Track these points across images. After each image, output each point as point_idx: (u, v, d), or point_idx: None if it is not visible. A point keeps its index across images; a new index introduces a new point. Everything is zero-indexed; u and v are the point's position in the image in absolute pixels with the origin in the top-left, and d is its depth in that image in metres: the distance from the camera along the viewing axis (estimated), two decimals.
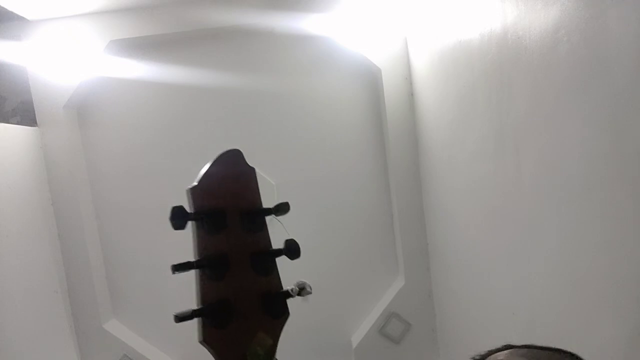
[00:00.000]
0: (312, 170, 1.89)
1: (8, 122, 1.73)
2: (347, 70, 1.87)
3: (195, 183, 0.61)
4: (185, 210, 0.58)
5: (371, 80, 1.87)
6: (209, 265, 0.59)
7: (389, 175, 1.89)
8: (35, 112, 1.74)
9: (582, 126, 0.75)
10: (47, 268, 1.71)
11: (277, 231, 0.69)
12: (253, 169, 0.65)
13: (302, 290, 0.63)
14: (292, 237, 0.64)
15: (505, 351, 0.58)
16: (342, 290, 1.93)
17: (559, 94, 0.80)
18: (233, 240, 0.61)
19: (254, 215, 0.63)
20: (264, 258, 0.62)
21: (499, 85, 1.03)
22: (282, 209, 0.63)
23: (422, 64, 1.64)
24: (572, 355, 0.56)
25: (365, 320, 1.95)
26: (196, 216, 0.59)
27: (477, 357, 0.62)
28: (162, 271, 1.88)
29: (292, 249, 0.63)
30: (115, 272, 1.88)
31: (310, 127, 1.89)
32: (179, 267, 0.58)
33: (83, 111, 1.84)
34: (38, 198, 1.71)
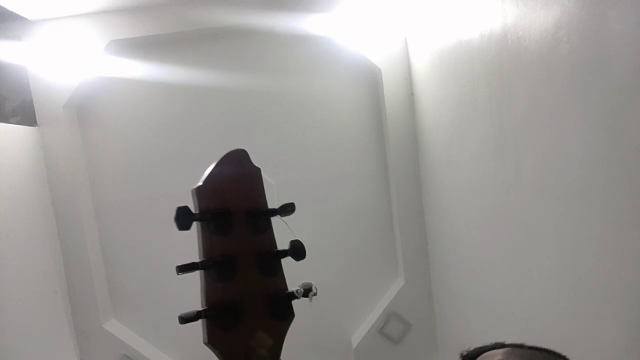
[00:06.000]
0: (312, 170, 1.89)
1: (8, 122, 1.73)
2: (347, 70, 1.87)
3: (201, 183, 0.60)
4: (190, 211, 0.57)
5: (371, 80, 1.87)
6: (214, 266, 0.58)
7: (389, 175, 1.89)
8: (35, 111, 1.74)
9: (582, 126, 0.75)
10: (47, 268, 1.71)
11: (280, 232, 0.68)
12: (259, 169, 0.64)
13: (307, 292, 0.61)
14: (297, 238, 0.62)
15: (502, 350, 0.58)
16: (342, 290, 1.93)
17: (559, 94, 0.80)
18: (239, 241, 0.60)
19: (259, 216, 0.62)
20: (270, 259, 0.61)
21: (499, 85, 1.03)
22: (287, 209, 0.63)
23: (422, 64, 1.64)
24: (563, 357, 0.56)
25: (365, 320, 1.95)
26: (201, 216, 0.58)
27: (465, 353, 0.61)
28: (162, 271, 1.89)
29: (297, 250, 0.62)
30: (115, 272, 1.88)
31: (310, 127, 1.89)
32: (183, 268, 0.57)
33: (83, 111, 1.84)
34: (38, 198, 1.71)
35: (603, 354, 0.76)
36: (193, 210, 0.58)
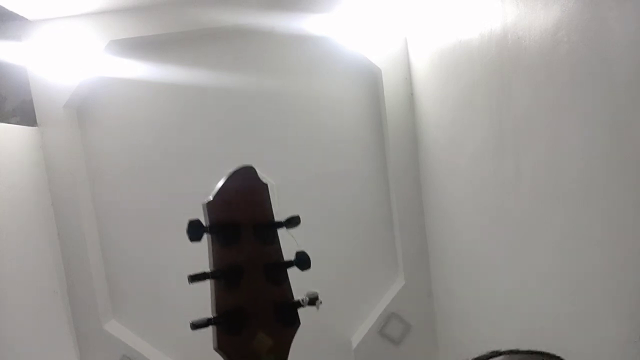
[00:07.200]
0: (312, 170, 1.89)
1: (8, 122, 1.73)
2: (347, 70, 1.87)
3: (211, 198, 0.65)
4: (201, 224, 0.62)
5: (371, 80, 1.87)
6: (224, 275, 0.63)
7: (389, 175, 1.89)
8: (35, 112, 1.74)
9: (582, 126, 0.75)
10: (47, 268, 1.71)
11: (286, 243, 0.72)
12: (266, 185, 0.68)
13: (313, 300, 0.66)
14: (303, 250, 0.67)
15: (498, 358, 0.60)
16: (341, 290, 1.93)
17: (559, 94, 0.80)
18: (247, 252, 0.64)
19: (266, 228, 0.66)
20: (277, 269, 0.66)
21: (499, 85, 1.03)
22: (293, 222, 0.67)
23: (422, 64, 1.64)
24: (559, 358, 0.57)
25: (365, 321, 1.94)
26: (212, 229, 0.63)
27: None
28: (163, 272, 1.89)
29: (302, 260, 0.67)
30: (115, 272, 1.88)
31: (310, 127, 1.89)
32: (195, 278, 0.61)
33: (83, 111, 1.84)
34: (38, 198, 1.71)
35: (603, 354, 0.76)
36: (204, 223, 0.63)
